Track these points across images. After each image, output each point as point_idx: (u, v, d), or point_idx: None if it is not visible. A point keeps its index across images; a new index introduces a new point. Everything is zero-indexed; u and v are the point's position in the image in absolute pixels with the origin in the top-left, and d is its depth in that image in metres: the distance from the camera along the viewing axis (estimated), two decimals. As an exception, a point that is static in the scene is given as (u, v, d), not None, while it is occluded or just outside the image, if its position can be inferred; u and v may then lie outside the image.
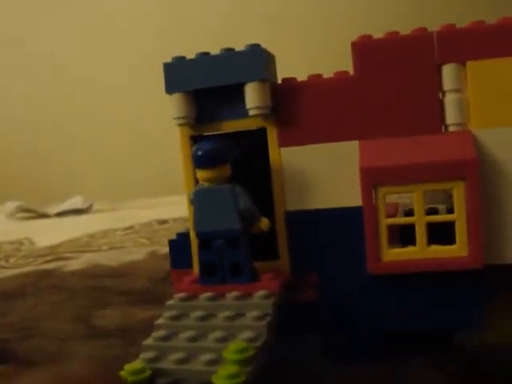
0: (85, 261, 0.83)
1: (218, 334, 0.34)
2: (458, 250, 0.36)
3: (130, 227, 1.13)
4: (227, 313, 0.35)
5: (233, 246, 0.37)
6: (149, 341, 0.35)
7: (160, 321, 0.36)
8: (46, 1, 2.06)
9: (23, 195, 1.69)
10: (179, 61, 0.40)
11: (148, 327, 0.48)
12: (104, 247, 0.94)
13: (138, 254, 0.83)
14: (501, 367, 0.36)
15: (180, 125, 0.40)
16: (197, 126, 0.40)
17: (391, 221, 0.37)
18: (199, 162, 0.37)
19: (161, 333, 0.35)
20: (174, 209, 1.16)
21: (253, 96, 0.38)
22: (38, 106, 2.06)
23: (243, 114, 0.39)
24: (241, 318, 0.35)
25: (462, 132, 0.36)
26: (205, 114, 0.40)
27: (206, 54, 0.39)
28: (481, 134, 0.36)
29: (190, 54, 0.41)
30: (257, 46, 0.38)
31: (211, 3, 1.93)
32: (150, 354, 0.33)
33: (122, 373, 0.32)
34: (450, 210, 0.37)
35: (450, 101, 0.37)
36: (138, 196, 1.67)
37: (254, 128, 0.40)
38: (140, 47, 1.96)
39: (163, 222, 1.12)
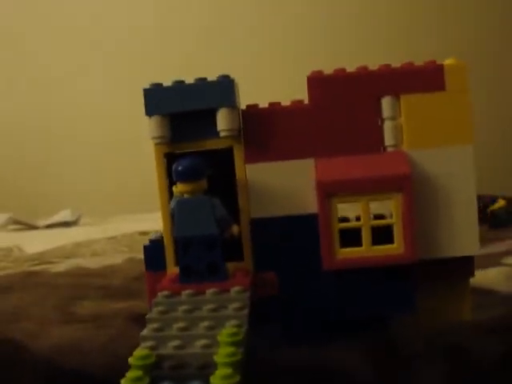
0: (69, 264, 0.88)
1: (207, 323, 0.39)
2: (396, 249, 0.44)
3: (113, 237, 1.19)
4: (210, 305, 0.41)
5: (210, 248, 0.43)
6: (146, 332, 0.39)
7: (151, 315, 0.41)
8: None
9: (11, 209, 1.65)
10: (157, 87, 0.45)
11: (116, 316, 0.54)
12: (87, 254, 0.99)
13: (116, 259, 0.90)
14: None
15: (157, 144, 0.46)
16: (171, 145, 0.46)
17: (343, 225, 0.44)
18: (181, 176, 0.43)
19: (155, 325, 0.40)
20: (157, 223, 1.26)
21: (224, 120, 0.45)
22: (24, 118, 2.01)
23: (214, 134, 0.45)
24: (224, 310, 0.41)
25: (399, 152, 0.45)
26: (179, 133, 0.46)
27: (181, 82, 0.45)
28: (412, 154, 0.45)
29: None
30: (227, 76, 0.45)
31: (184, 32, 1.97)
32: (149, 343, 0.38)
33: (130, 359, 0.36)
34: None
35: (387, 126, 0.45)
36: (125, 212, 1.68)
37: (222, 147, 0.46)
38: (124, 65, 1.97)
39: (144, 233, 1.18)
